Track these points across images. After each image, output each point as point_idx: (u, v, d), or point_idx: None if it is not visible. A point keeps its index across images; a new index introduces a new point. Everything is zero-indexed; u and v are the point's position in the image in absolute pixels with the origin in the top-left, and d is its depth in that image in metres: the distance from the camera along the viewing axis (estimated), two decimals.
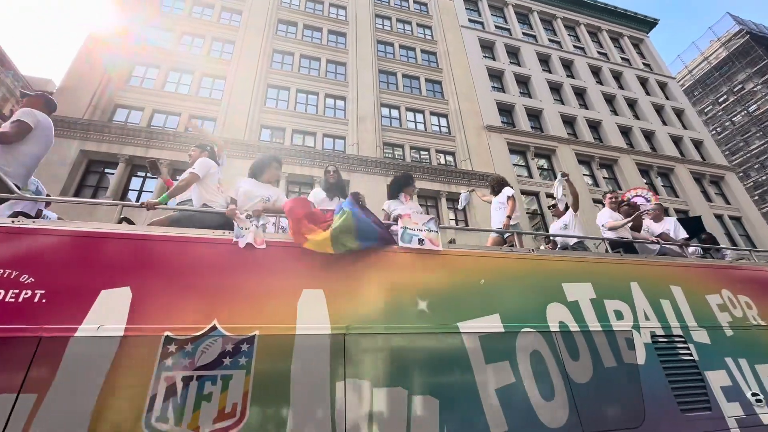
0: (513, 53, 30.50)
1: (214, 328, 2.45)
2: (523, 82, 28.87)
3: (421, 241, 3.24)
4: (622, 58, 34.39)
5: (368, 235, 3.06)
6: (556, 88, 29.47)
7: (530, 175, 24.84)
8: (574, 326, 3.35)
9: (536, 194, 23.28)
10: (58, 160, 15.58)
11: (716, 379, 3.55)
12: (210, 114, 20.36)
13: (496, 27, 31.67)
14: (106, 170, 17.33)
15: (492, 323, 3.11)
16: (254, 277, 2.74)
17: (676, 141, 29.70)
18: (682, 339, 3.68)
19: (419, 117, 24.99)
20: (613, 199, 5.22)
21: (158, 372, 2.26)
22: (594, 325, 3.43)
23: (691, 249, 5.70)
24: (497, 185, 5.35)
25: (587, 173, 26.05)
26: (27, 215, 2.64)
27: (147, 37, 20.30)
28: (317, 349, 2.58)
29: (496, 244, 4.65)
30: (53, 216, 3.61)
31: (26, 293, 2.18)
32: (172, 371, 2.28)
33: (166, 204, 3.08)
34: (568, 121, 27.84)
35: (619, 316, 3.60)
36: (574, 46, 33.16)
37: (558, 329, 3.29)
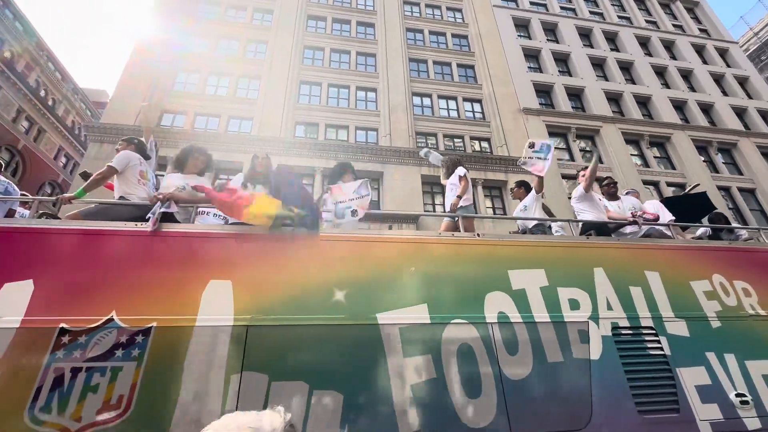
0: (550, 30, 28.57)
1: (110, 320, 2.46)
2: (561, 59, 27.00)
3: (354, 213, 3.11)
4: (675, 26, 31.08)
5: (306, 208, 2.95)
6: (598, 64, 27.26)
7: (572, 158, 23.38)
8: (516, 317, 3.02)
9: (575, 177, 21.88)
10: None
11: (691, 377, 3.08)
12: (247, 114, 21.13)
13: (531, 3, 29.78)
14: (157, 173, 18.59)
15: (417, 314, 2.87)
16: (159, 269, 2.71)
17: (739, 113, 26.48)
18: (652, 331, 3.22)
19: (452, 104, 24.30)
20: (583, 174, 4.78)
21: (48, 363, 2.29)
22: (541, 315, 3.07)
23: (699, 231, 5.00)
24: (452, 165, 5.00)
25: (636, 153, 24.02)
26: None
27: (187, 45, 21.40)
28: (216, 341, 2.52)
29: (449, 230, 4.33)
30: (26, 214, 3.90)
31: None
32: (62, 362, 2.31)
33: (80, 198, 3.18)
34: (613, 99, 25.73)
35: (575, 305, 3.20)
36: (619, 17, 30.43)
37: (496, 321, 2.98)
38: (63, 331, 2.36)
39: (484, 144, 23.48)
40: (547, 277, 3.26)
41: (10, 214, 3.58)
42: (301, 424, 2.31)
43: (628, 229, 4.56)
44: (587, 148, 23.86)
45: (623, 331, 3.15)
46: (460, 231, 3.65)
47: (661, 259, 3.70)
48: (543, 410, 2.74)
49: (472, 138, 23.28)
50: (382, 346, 2.68)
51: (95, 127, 18.29)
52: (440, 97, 24.48)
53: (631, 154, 23.29)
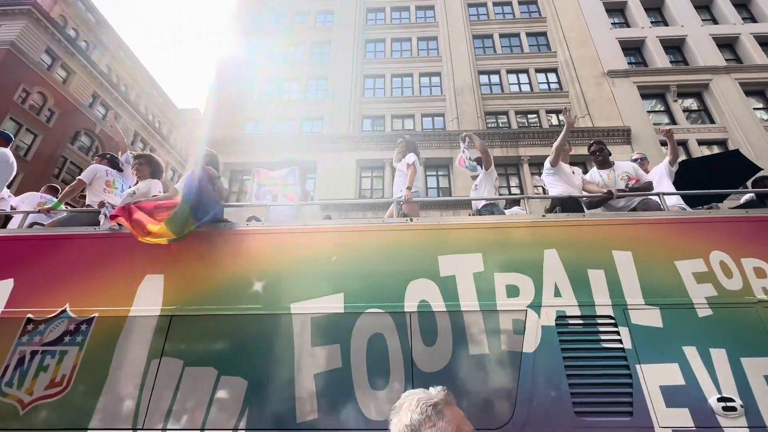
0: None
1: (64, 311, 2.86)
2: (654, 8, 23.07)
3: (274, 197, 3.18)
4: None
5: (207, 209, 3.09)
6: (704, 6, 22.61)
7: (673, 121, 20.08)
8: (439, 305, 2.79)
9: (684, 143, 18.64)
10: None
11: (657, 376, 2.55)
12: (317, 114, 22.29)
13: None
14: (244, 177, 20.81)
15: (331, 303, 2.83)
16: (105, 266, 3.06)
17: None
18: (610, 321, 2.72)
19: (523, 78, 22.60)
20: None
21: (15, 347, 2.75)
22: (469, 304, 2.79)
23: (745, 198, 3.83)
24: (405, 149, 4.72)
25: (761, 106, 19.59)
26: None
27: (261, 57, 23.37)
28: (144, 329, 2.77)
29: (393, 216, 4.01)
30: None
31: None
32: (25, 346, 2.76)
33: (57, 209, 3.80)
34: (726, 44, 21.22)
35: (513, 292, 2.83)
36: None
37: (415, 310, 2.79)
38: (29, 321, 2.85)
39: (563, 117, 21.37)
40: (484, 262, 2.94)
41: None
42: (206, 408, 2.49)
43: (621, 202, 3.86)
44: (693, 107, 20.17)
45: (571, 321, 2.71)
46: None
47: (638, 236, 3.07)
48: (458, 405, 2.51)
49: (548, 111, 21.37)
50: (292, 335, 2.72)
51: (190, 139, 21.17)
52: (509, 71, 22.89)
53: (755, 108, 19.00)
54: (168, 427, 2.45)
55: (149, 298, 2.85)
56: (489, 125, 21.14)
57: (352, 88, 22.34)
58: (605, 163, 4.30)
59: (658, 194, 3.46)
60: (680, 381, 2.52)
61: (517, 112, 21.47)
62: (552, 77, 22.53)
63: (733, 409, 2.42)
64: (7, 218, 3.80)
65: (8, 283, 2.95)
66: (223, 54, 23.81)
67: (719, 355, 2.59)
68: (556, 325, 2.70)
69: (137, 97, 32.46)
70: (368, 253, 3.06)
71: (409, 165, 4.10)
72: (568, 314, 2.74)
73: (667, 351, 2.61)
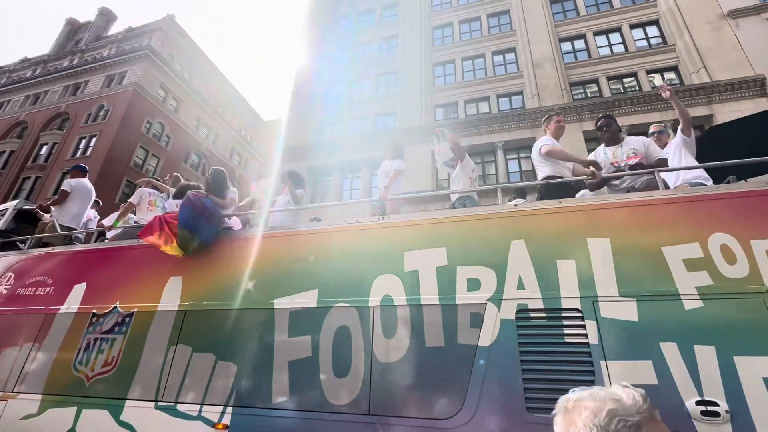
0: None
1: (115, 307, 3.68)
2: None
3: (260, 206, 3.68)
4: None
5: (203, 231, 3.59)
6: None
7: None
8: (400, 300, 2.93)
9: None
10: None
11: (625, 374, 2.34)
12: (389, 109, 22.80)
13: None
14: (327, 178, 22.36)
15: (307, 299, 3.15)
16: (143, 270, 3.82)
17: None
18: (577, 315, 2.56)
19: (614, 37, 20.22)
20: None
21: (84, 335, 3.64)
22: (429, 298, 2.87)
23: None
24: (395, 151, 4.74)
25: None
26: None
27: (331, 61, 24.73)
28: (166, 322, 3.43)
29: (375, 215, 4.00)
30: None
31: (46, 289, 4.07)
32: (91, 335, 3.63)
33: (116, 225, 4.74)
34: None
35: (474, 286, 2.83)
36: None
37: (378, 304, 2.97)
38: (94, 315, 3.72)
39: (669, 75, 18.61)
40: (448, 256, 2.98)
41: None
42: (205, 387, 3.04)
43: (626, 182, 3.39)
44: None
45: (533, 315, 2.63)
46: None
47: (619, 221, 2.79)
48: (408, 395, 2.68)
49: (650, 71, 18.76)
50: (273, 327, 3.12)
51: (276, 149, 23.47)
52: (597, 33, 20.63)
53: None
54: (178, 401, 3.09)
55: (171, 296, 3.54)
56: (576, 97, 19.35)
57: (422, 79, 22.31)
58: (613, 140, 3.83)
59: (652, 171, 3.03)
60: (652, 380, 2.30)
61: (609, 78, 19.25)
62: (652, 31, 19.64)
63: (716, 414, 2.15)
64: (100, 233, 5.01)
65: (82, 286, 3.94)
66: (299, 65, 25.79)
67: (706, 353, 2.29)
68: (516, 318, 2.65)
69: (231, 115, 37.13)
70: (342, 251, 3.31)
71: (397, 171, 4.22)
72: (530, 307, 2.66)
73: (641, 347, 2.39)
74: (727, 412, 2.13)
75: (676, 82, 18.05)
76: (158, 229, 3.58)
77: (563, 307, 2.62)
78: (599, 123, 3.94)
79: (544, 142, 3.80)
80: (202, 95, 33.87)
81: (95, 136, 26.64)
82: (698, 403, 2.19)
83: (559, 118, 4.10)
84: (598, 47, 20.18)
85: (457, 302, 2.82)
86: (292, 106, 24.59)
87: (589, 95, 19.40)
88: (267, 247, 3.55)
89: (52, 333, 3.80)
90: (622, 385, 0.91)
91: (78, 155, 26.52)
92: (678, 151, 3.51)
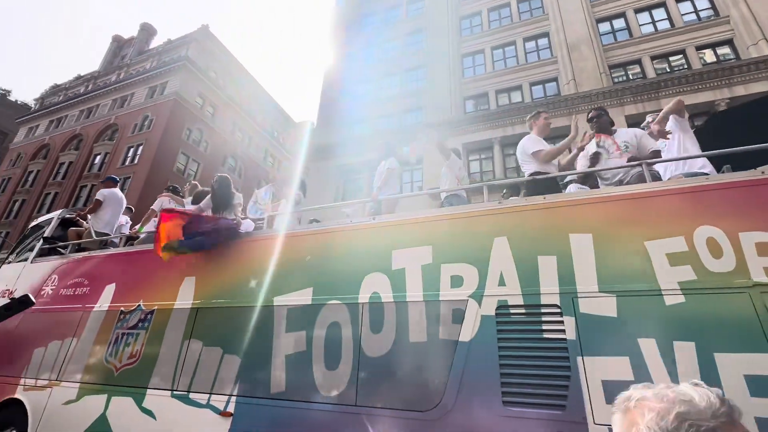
0: None
1: (139, 305, 4.10)
2: None
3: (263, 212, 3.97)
4: None
5: (194, 232, 3.91)
6: None
7: None
8: (387, 297, 3.07)
9: None
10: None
11: (600, 370, 2.35)
12: (417, 105, 22.78)
13: None
14: (357, 176, 22.63)
15: (303, 296, 3.36)
16: (162, 271, 4.17)
17: None
18: (556, 310, 2.59)
19: (658, 12, 19.02)
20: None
21: (115, 330, 4.08)
22: (414, 295, 2.99)
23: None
24: (387, 151, 4.82)
25: None
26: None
27: (359, 60, 25.02)
28: (181, 318, 3.80)
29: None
30: None
31: (83, 289, 4.60)
32: (119, 330, 4.07)
33: (140, 231, 5.14)
34: None
35: (457, 283, 2.92)
36: None
37: (367, 301, 3.13)
38: (122, 312, 4.16)
39: (723, 49, 17.31)
40: (433, 254, 3.08)
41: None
42: (213, 378, 3.34)
43: (619, 175, 3.28)
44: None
45: (512, 311, 2.68)
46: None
47: (602, 216, 2.76)
48: (392, 388, 2.82)
49: (700, 47, 17.51)
50: (273, 323, 3.38)
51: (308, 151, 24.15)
52: (639, 10, 19.49)
53: None
54: (191, 390, 3.43)
55: (186, 295, 3.89)
56: (616, 80, 18.42)
57: (450, 71, 22.03)
58: (603, 132, 3.75)
59: (641, 163, 2.94)
60: (628, 376, 2.31)
61: (653, 57, 18.14)
62: (702, 3, 18.27)
63: None
64: (128, 238, 5.54)
65: (113, 286, 4.39)
66: (327, 66, 26.34)
67: (685, 350, 2.26)
68: (496, 314, 2.72)
69: (263, 118, 38.62)
70: (336, 251, 3.50)
71: (390, 170, 4.34)
72: (510, 303, 2.72)
73: (618, 343, 2.39)
74: None
75: (731, 57, 16.75)
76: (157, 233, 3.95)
77: (542, 303, 2.65)
78: (590, 115, 3.88)
79: (531, 143, 3.80)
80: (236, 100, 35.44)
81: (141, 144, 28.63)
82: None
83: (547, 115, 4.08)
84: (640, 25, 19.06)
85: (440, 299, 2.93)
86: (321, 106, 25.16)
87: (631, 77, 18.40)
88: (269, 248, 3.80)
89: (88, 328, 4.28)
90: (693, 383, 0.80)
91: (127, 163, 28.65)
92: (676, 138, 3.38)
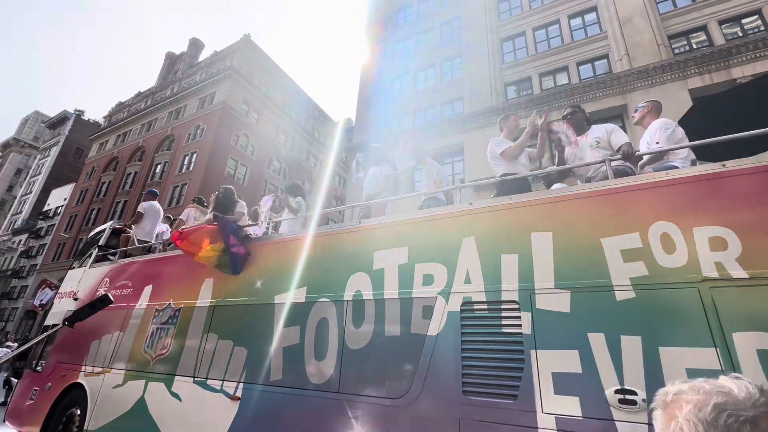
0: None
1: (169, 304, 4.74)
2: None
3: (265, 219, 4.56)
4: None
5: (234, 241, 4.40)
6: None
7: None
8: (368, 295, 3.38)
9: None
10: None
11: (551, 362, 2.50)
12: (456, 95, 22.48)
13: None
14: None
15: (299, 295, 3.77)
16: (188, 273, 4.77)
17: None
18: (514, 306, 2.75)
19: None
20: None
21: (151, 325, 4.76)
22: (391, 293, 3.27)
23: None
24: (378, 156, 4.98)
25: None
26: None
27: (395, 55, 25.23)
28: (202, 315, 4.37)
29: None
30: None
31: (128, 290, 5.35)
32: (155, 325, 4.73)
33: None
34: None
35: (428, 281, 3.15)
36: None
37: (351, 299, 3.46)
38: (156, 310, 4.82)
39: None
40: (409, 254, 3.33)
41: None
42: (225, 367, 3.87)
43: (589, 173, 3.27)
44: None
45: (476, 306, 2.88)
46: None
47: (563, 214, 2.86)
48: (369, 377, 3.13)
49: None
50: (273, 319, 3.82)
51: (350, 148, 24.83)
52: None
53: None
54: (208, 377, 3.99)
55: (205, 294, 4.48)
56: (677, 50, 17.11)
57: (489, 57, 21.56)
58: (578, 129, 3.70)
59: (604, 161, 2.96)
60: (577, 369, 2.45)
61: (722, 21, 16.64)
62: None
63: (633, 402, 2.25)
64: (165, 244, 6.33)
65: (150, 287, 5.14)
66: (363, 63, 26.83)
67: (631, 344, 2.35)
68: (461, 310, 2.94)
69: (304, 120, 40.21)
70: (327, 252, 3.86)
71: (387, 176, 4.60)
72: (473, 300, 2.92)
73: (569, 337, 2.53)
74: (644, 401, 2.22)
75: None
76: (183, 240, 4.55)
77: (503, 299, 2.84)
78: (565, 112, 3.92)
79: (496, 145, 3.94)
80: (278, 104, 37.23)
81: (195, 152, 31.06)
82: (617, 391, 2.30)
83: (516, 117, 4.21)
84: None
85: (412, 296, 3.20)
86: (359, 103, 25.71)
87: (694, 46, 16.98)
88: (272, 251, 4.30)
89: (131, 324, 5.04)
90: (733, 376, 0.80)
91: (183, 171, 31.21)
92: (659, 132, 3.34)
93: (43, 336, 2.95)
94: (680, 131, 3.41)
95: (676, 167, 3.07)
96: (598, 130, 3.62)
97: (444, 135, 20.91)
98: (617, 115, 16.83)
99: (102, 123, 46.44)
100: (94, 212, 35.42)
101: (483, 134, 19.57)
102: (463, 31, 23.28)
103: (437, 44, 24.28)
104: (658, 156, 3.37)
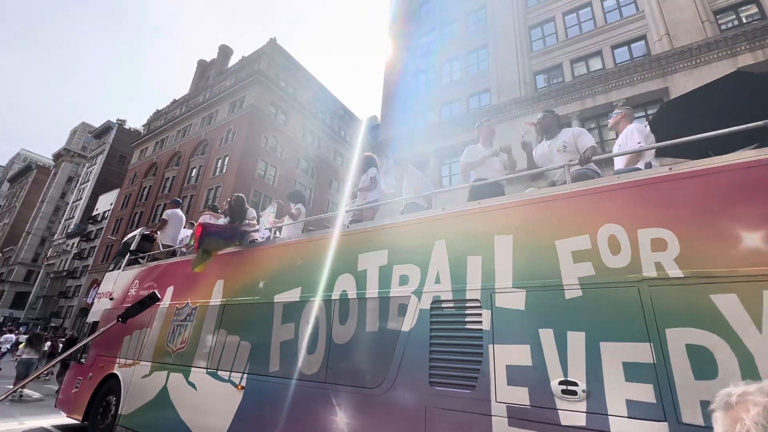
0: None
1: (187, 303, 5.30)
2: None
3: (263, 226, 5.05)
4: None
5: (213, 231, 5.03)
6: None
7: None
8: (353, 294, 3.75)
9: None
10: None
11: (505, 356, 2.77)
12: (483, 87, 22.24)
13: None
14: (425, 167, 23.18)
15: (294, 294, 4.21)
16: (203, 275, 5.28)
17: None
18: (476, 304, 3.01)
19: None
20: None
21: (172, 322, 5.36)
22: (372, 292, 3.62)
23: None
24: (365, 164, 5.25)
25: None
26: None
27: (419, 49, 25.29)
28: (213, 312, 4.91)
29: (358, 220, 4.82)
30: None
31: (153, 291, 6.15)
32: (175, 322, 5.32)
33: (190, 243, 6.34)
34: None
35: (404, 281, 3.47)
36: None
37: (338, 297, 3.85)
38: (176, 308, 5.40)
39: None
40: (389, 256, 3.66)
41: None
42: (233, 359, 4.36)
43: (556, 176, 3.42)
44: None
45: (444, 305, 3.17)
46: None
47: (522, 218, 3.08)
48: (352, 369, 3.51)
49: None
50: (272, 316, 4.28)
51: (375, 146, 25.22)
52: None
53: None
54: (218, 368, 4.51)
55: (217, 294, 5.01)
56: (724, 26, 16.25)
57: (517, 46, 21.19)
58: (549, 132, 3.84)
59: (562, 166, 3.12)
60: (527, 362, 2.70)
61: None
62: None
63: (574, 393, 2.48)
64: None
65: (172, 288, 5.78)
66: (388, 60, 27.09)
67: (576, 339, 2.58)
68: (431, 308, 3.25)
69: (330, 119, 41.19)
70: (319, 255, 4.25)
71: (372, 178, 4.92)
72: (442, 299, 3.22)
73: (523, 333, 2.78)
74: (583, 391, 2.46)
75: None
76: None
77: (467, 298, 3.12)
78: (537, 117, 4.09)
79: (465, 155, 4.24)
80: (304, 105, 38.35)
81: (227, 155, 32.60)
82: (561, 382, 2.55)
83: (490, 123, 4.46)
84: None
85: (390, 295, 3.54)
86: (384, 99, 26.01)
87: (745, 20, 16.06)
88: (273, 254, 4.78)
89: (157, 321, 5.69)
90: None
91: (216, 174, 32.85)
92: (638, 133, 3.48)
93: (100, 332, 3.57)
94: (652, 135, 3.54)
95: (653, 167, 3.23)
96: (566, 134, 3.79)
97: (470, 129, 20.67)
98: (657, 100, 16.18)
99: (142, 131, 49.51)
100: (137, 215, 37.95)
101: (512, 126, 19.13)
102: (489, 21, 22.99)
103: (462, 35, 24.10)
104: (634, 158, 3.51)
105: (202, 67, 44.41)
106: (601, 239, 2.72)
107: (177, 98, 44.87)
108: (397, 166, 4.88)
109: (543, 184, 4.11)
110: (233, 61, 42.57)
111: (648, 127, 3.65)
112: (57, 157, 64.07)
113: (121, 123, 55.23)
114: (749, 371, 2.07)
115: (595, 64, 19.16)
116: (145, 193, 39.02)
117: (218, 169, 32.86)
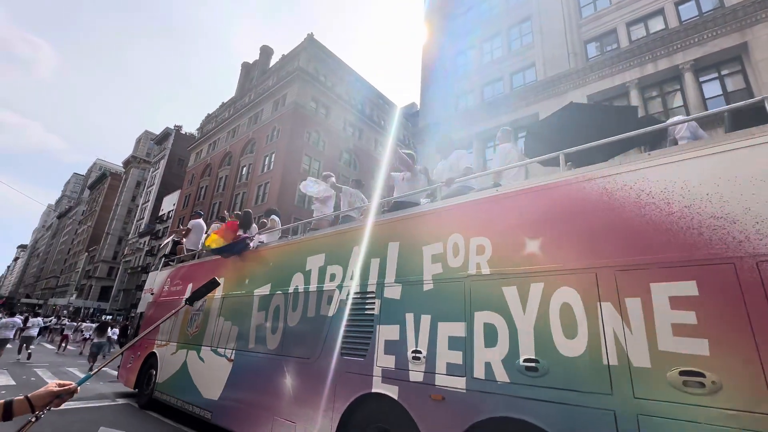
0: None
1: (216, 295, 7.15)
2: None
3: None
4: None
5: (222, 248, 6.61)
6: None
7: None
8: (301, 288, 5.10)
9: None
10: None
11: (385, 333, 3.97)
12: (527, 62, 21.82)
13: None
14: (468, 151, 23.76)
15: (265, 289, 5.67)
16: (212, 273, 6.66)
17: None
18: (372, 295, 4.23)
19: None
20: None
21: (191, 312, 7.16)
22: (313, 287, 4.95)
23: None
24: (356, 183, 6.57)
25: None
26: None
27: (458, 30, 25.58)
28: (217, 303, 6.51)
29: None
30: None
31: (180, 287, 8.04)
32: (193, 311, 7.12)
33: (205, 246, 8.03)
34: None
35: (333, 278, 4.75)
36: None
37: (292, 291, 5.23)
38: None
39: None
40: (325, 259, 4.96)
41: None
42: (227, 339, 5.97)
43: (445, 190, 4.50)
44: None
45: (354, 296, 4.41)
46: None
47: (405, 228, 4.21)
48: (298, 344, 4.85)
49: None
50: (252, 306, 5.77)
51: (416, 132, 26.17)
52: None
53: None
54: (218, 346, 6.18)
55: (221, 289, 6.72)
56: None
57: (564, 14, 20.35)
58: (443, 152, 4.92)
59: (428, 189, 4.26)
60: (396, 337, 3.90)
61: None
62: None
63: (418, 358, 3.68)
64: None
65: (191, 285, 7.52)
66: (425, 43, 27.70)
67: (425, 320, 3.72)
68: (347, 299, 4.52)
69: (369, 110, 42.82)
70: (283, 258, 5.67)
71: (328, 197, 6.43)
72: (353, 291, 4.47)
73: (396, 316, 3.95)
74: (424, 357, 3.65)
75: None
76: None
77: (368, 290, 4.35)
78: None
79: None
80: (343, 98, 40.35)
81: (273, 153, 35.56)
82: (413, 351, 3.72)
83: (399, 150, 5.48)
84: None
85: (323, 289, 4.87)
86: (423, 84, 26.73)
87: None
88: (255, 257, 6.33)
89: (181, 311, 7.55)
90: None
91: (264, 171, 35.94)
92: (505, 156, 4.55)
93: (170, 314, 5.40)
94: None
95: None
96: (455, 154, 4.92)
97: (514, 109, 20.67)
98: (734, 58, 15.00)
99: (196, 134, 54.81)
100: None
101: (560, 102, 18.44)
102: None
103: (503, 10, 23.82)
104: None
105: (246, 68, 48.03)
106: (449, 245, 3.83)
107: (225, 101, 48.94)
108: (333, 188, 6.27)
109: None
110: (274, 60, 45.49)
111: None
112: (126, 164, 72.82)
113: (177, 128, 61.44)
114: (514, 340, 3.16)
115: (656, 25, 18.08)
116: (202, 192, 43.48)
117: (266, 167, 35.81)
